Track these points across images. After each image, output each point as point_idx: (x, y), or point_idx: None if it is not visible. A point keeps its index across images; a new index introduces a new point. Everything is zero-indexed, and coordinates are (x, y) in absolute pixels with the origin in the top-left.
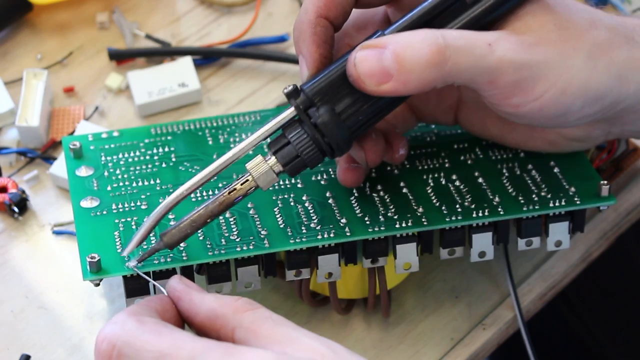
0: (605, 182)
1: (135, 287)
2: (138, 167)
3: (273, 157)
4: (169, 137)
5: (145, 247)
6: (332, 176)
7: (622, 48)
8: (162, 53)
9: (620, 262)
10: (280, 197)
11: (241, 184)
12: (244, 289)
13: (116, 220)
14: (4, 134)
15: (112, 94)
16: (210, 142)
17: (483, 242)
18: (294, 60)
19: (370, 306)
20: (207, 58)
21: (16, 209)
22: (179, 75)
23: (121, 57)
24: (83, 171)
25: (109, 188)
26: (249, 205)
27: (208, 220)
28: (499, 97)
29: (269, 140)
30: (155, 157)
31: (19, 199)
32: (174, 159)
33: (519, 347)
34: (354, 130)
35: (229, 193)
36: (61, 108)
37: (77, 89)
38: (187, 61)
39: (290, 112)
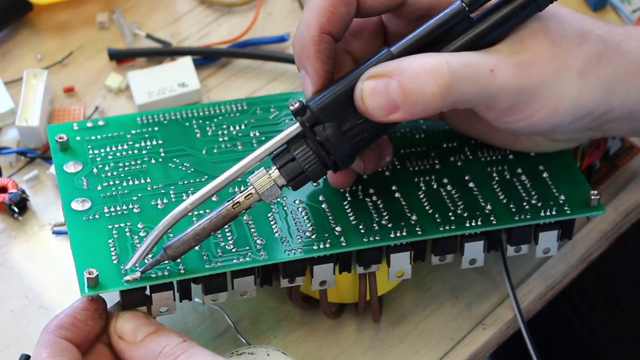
0: (595, 192)
1: (132, 300)
2: (127, 163)
3: (276, 171)
4: (155, 128)
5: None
6: (324, 178)
7: (611, 62)
8: (162, 53)
9: (623, 261)
10: (273, 201)
11: (245, 198)
12: (239, 297)
13: (109, 226)
14: (4, 134)
15: (112, 94)
16: (199, 135)
17: (474, 250)
18: (293, 60)
19: (360, 311)
20: (207, 58)
21: (16, 209)
22: (179, 75)
23: (121, 57)
24: (72, 167)
25: (99, 188)
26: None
27: (211, 233)
28: (492, 116)
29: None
30: (144, 152)
31: (19, 199)
32: (162, 154)
33: (519, 347)
34: (358, 147)
35: (233, 207)
36: (61, 108)
37: (77, 89)
38: (187, 61)
39: (295, 128)
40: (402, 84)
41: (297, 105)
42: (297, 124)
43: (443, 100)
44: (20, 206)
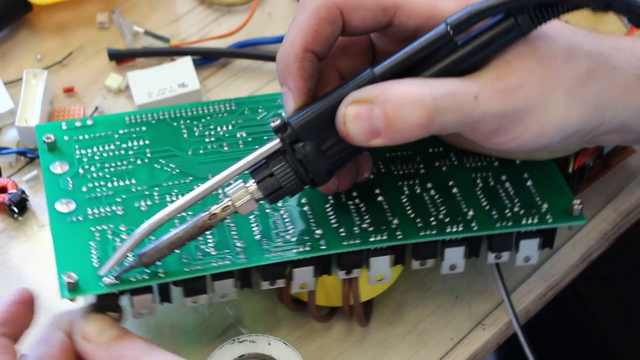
0: (579, 201)
1: (106, 304)
2: (113, 164)
3: (254, 185)
4: (143, 128)
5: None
6: None
7: (600, 78)
8: (162, 53)
9: (631, 255)
10: None
11: (221, 210)
12: (220, 300)
13: (92, 228)
14: (4, 134)
15: (112, 94)
16: (186, 135)
17: (455, 256)
18: None
19: (346, 315)
20: (207, 58)
21: (16, 209)
22: (179, 75)
23: (121, 57)
24: (58, 168)
25: (84, 189)
26: None
27: (186, 243)
28: (478, 138)
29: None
30: (130, 152)
31: (18, 199)
32: (149, 155)
33: (520, 347)
34: (337, 165)
35: (209, 218)
36: (61, 108)
37: (77, 89)
38: (187, 61)
39: (275, 144)
40: (386, 112)
41: (278, 122)
42: (277, 140)
43: (425, 130)
44: (20, 206)
